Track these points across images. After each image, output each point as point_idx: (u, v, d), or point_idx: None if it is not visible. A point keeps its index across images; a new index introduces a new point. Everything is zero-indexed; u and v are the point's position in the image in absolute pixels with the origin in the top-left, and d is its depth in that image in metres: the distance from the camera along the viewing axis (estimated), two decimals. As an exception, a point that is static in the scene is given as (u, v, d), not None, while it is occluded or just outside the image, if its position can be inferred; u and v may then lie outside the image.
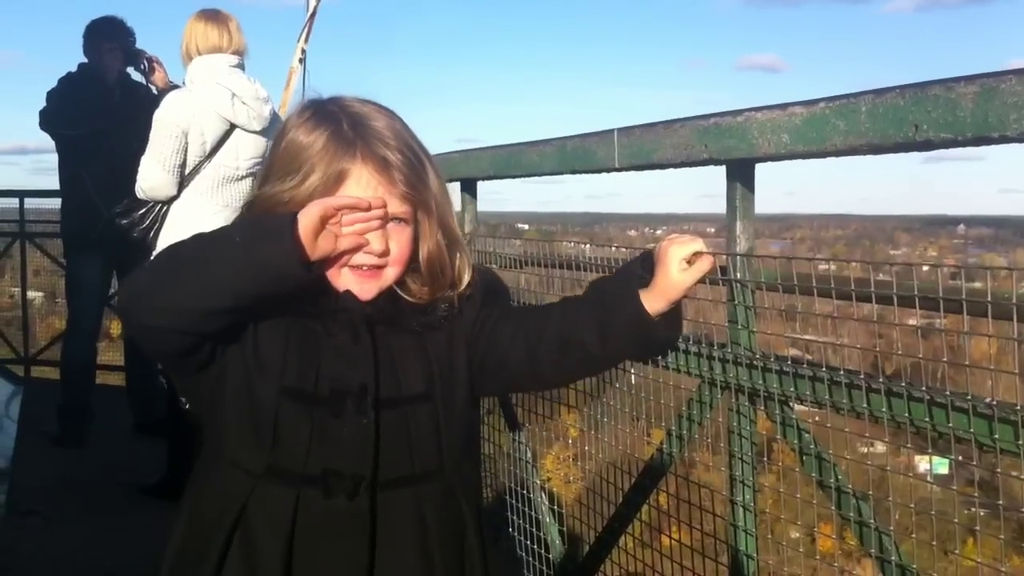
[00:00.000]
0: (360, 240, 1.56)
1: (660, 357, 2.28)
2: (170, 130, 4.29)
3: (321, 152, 1.60)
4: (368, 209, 1.55)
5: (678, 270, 1.62)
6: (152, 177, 4.31)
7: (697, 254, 1.62)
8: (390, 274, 1.63)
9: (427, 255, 1.67)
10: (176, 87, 5.31)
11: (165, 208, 4.43)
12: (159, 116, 4.33)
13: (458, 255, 1.71)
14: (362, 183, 1.59)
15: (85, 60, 5.60)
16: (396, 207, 1.61)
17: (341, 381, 1.60)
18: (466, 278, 1.71)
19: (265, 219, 1.55)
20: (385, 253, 1.60)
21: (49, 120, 5.54)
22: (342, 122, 1.63)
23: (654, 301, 1.63)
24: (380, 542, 1.61)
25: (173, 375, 1.77)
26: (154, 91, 5.42)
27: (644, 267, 1.67)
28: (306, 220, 1.48)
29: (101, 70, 5.53)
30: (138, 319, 1.55)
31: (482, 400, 1.89)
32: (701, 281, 1.65)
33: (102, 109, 5.41)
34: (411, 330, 1.67)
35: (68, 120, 5.45)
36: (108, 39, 5.54)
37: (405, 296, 1.67)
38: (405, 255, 1.64)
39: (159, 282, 1.53)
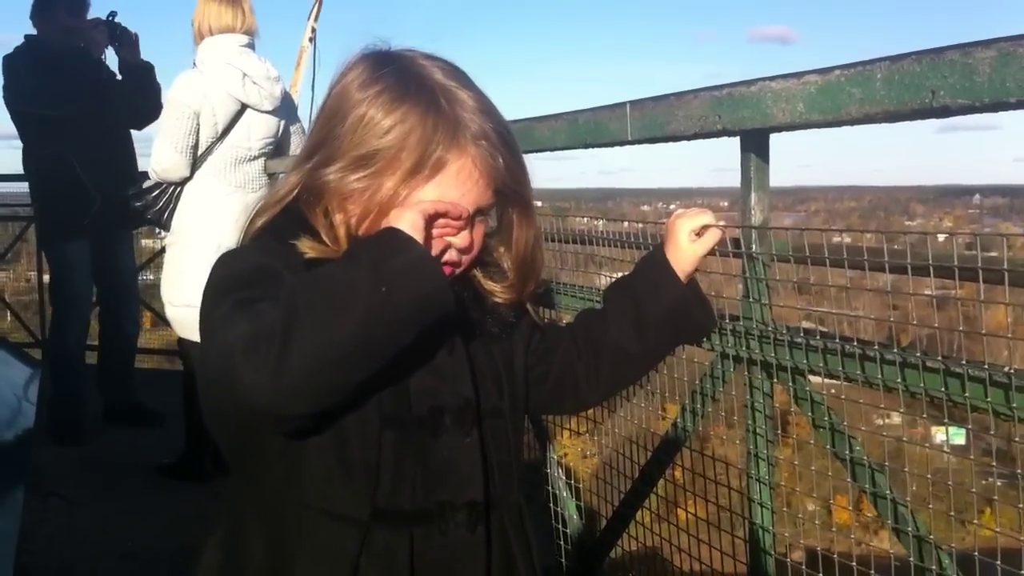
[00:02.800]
0: (447, 242, 1.38)
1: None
2: (182, 111, 4.30)
3: (415, 136, 1.35)
4: (458, 217, 1.35)
5: (688, 241, 1.60)
6: (165, 159, 4.33)
7: (705, 226, 1.60)
8: (459, 269, 1.44)
9: (522, 253, 1.50)
10: (147, 64, 5.28)
11: (178, 189, 4.44)
12: (171, 97, 4.35)
13: (542, 257, 1.55)
14: (463, 174, 1.37)
15: (35, 32, 5.28)
16: (487, 199, 1.41)
17: (438, 397, 1.40)
18: (540, 281, 1.57)
19: (389, 257, 1.23)
20: (468, 250, 1.42)
21: (26, 99, 5.17)
22: (437, 95, 1.38)
23: None
24: (494, 571, 1.44)
25: (231, 432, 1.47)
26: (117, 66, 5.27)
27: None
28: (418, 235, 1.27)
29: (87, 45, 5.25)
30: (275, 411, 1.23)
31: None
32: (712, 253, 1.63)
33: (93, 86, 5.19)
34: (485, 334, 1.50)
35: (53, 99, 5.10)
36: (80, 12, 5.30)
37: (489, 296, 1.51)
38: (479, 250, 1.46)
39: (298, 369, 1.18)
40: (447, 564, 1.41)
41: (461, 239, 1.40)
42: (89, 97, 5.15)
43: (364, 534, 1.37)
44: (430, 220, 1.31)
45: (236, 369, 1.21)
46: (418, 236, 1.27)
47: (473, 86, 1.43)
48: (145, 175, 4.59)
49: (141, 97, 5.28)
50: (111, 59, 5.35)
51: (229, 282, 1.34)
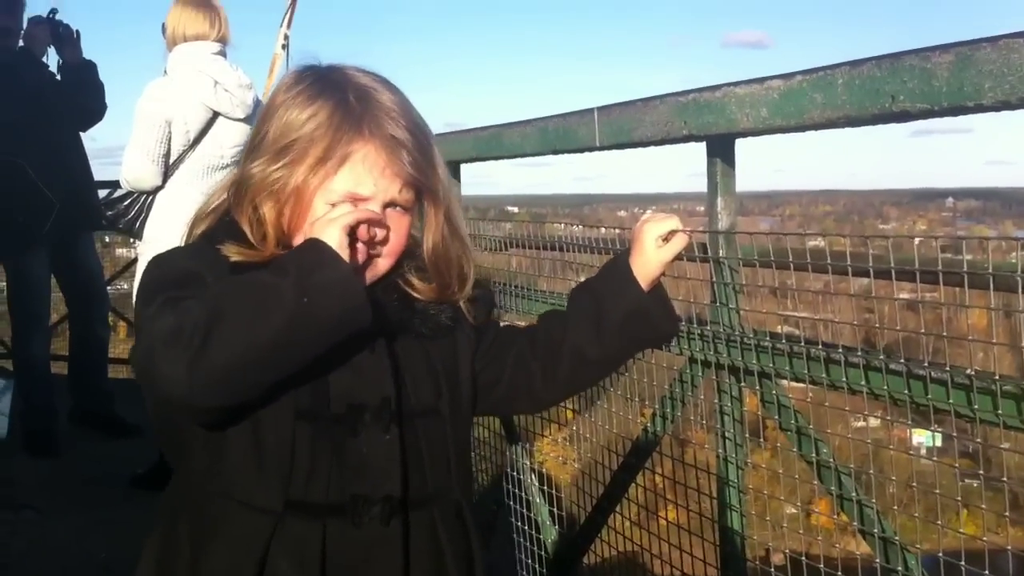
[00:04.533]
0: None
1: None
2: (153, 120, 4.26)
3: (324, 127, 1.44)
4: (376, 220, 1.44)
5: (654, 247, 1.61)
6: (137, 168, 4.28)
7: (672, 232, 1.61)
8: (381, 265, 1.49)
9: (432, 246, 1.54)
10: (89, 62, 5.17)
11: (150, 198, 4.40)
12: (141, 105, 4.30)
13: (463, 254, 1.59)
14: (367, 163, 1.44)
15: None
16: (399, 193, 1.47)
17: (357, 396, 1.46)
18: (470, 281, 1.60)
19: (315, 271, 1.33)
20: (385, 241, 1.48)
21: None
22: (347, 93, 1.47)
23: None
24: (412, 567, 1.48)
25: (161, 427, 1.56)
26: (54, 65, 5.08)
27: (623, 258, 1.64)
28: (341, 248, 1.35)
29: (27, 44, 5.06)
30: (188, 402, 1.32)
31: None
32: (679, 258, 1.64)
33: (35, 88, 5.01)
34: (418, 335, 1.55)
35: (2, 102, 4.90)
36: (16, 11, 5.09)
37: (413, 294, 1.55)
38: (399, 246, 1.51)
39: (215, 364, 1.28)
40: (361, 557, 1.45)
41: (378, 234, 1.47)
42: (33, 99, 4.98)
43: (275, 523, 1.42)
44: (352, 230, 1.39)
45: (155, 359, 1.31)
46: (343, 249, 1.36)
47: (393, 90, 1.51)
48: (114, 183, 4.55)
49: (84, 97, 5.17)
50: (51, 58, 5.16)
51: (160, 282, 1.42)
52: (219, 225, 1.53)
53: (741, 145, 2.12)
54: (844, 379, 1.76)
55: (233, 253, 1.46)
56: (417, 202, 1.53)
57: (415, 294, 1.55)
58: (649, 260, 1.61)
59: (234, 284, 1.36)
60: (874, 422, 1.99)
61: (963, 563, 1.53)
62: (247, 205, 1.49)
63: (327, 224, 1.38)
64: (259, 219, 1.48)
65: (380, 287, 1.51)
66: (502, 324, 1.78)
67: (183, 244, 1.57)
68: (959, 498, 1.60)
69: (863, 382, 1.73)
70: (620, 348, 1.67)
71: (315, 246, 1.36)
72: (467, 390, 1.62)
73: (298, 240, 1.46)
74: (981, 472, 1.58)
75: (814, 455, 1.89)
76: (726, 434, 2.13)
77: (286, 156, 1.45)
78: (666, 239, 1.61)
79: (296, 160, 1.45)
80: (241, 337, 1.29)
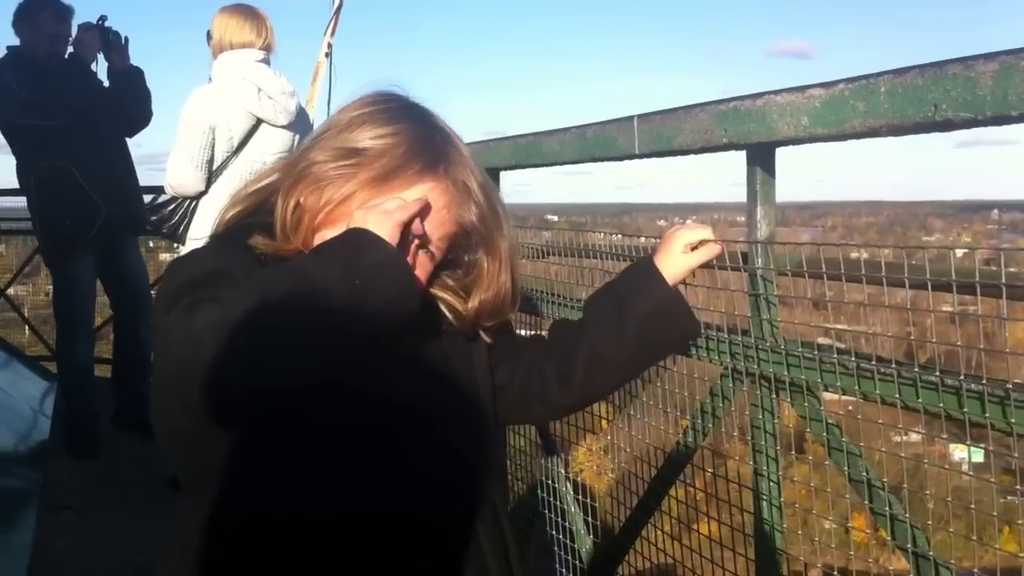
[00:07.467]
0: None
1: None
2: (198, 126, 4.31)
3: (400, 147, 1.44)
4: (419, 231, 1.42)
5: (681, 251, 1.60)
6: (181, 173, 4.33)
7: (703, 241, 1.61)
8: None
9: (483, 299, 1.54)
10: (136, 68, 5.22)
11: (194, 203, 4.45)
12: (186, 112, 4.36)
13: (512, 309, 1.59)
14: (428, 198, 1.44)
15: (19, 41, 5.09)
16: (441, 235, 1.47)
17: (392, 399, 1.44)
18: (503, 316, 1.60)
19: (361, 254, 1.31)
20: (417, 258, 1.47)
21: (20, 111, 4.99)
22: (433, 130, 1.49)
23: None
24: (454, 567, 1.45)
25: (185, 450, 1.51)
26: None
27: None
28: (392, 237, 1.34)
29: (78, 51, 5.15)
30: (244, 390, 1.27)
31: None
32: (709, 266, 1.63)
33: (85, 94, 5.11)
34: (441, 334, 1.55)
35: (48, 109, 4.98)
36: (66, 18, 5.18)
37: (444, 309, 1.54)
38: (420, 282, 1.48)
39: (271, 352, 1.25)
40: (405, 559, 1.41)
41: (420, 240, 1.45)
42: (81, 105, 5.06)
43: (319, 538, 1.37)
44: (404, 228, 1.38)
45: (205, 352, 1.23)
46: (393, 241, 1.35)
47: (465, 146, 1.53)
48: (159, 188, 4.60)
49: (132, 103, 5.24)
50: (100, 64, 5.25)
51: (186, 283, 1.35)
52: (244, 223, 1.53)
53: (784, 155, 2.10)
54: (876, 391, 1.73)
55: (260, 244, 1.45)
56: (457, 256, 1.54)
57: (446, 311, 1.55)
58: (674, 263, 1.61)
59: (278, 272, 1.32)
60: (915, 437, 1.95)
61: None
62: (294, 192, 1.47)
63: (383, 215, 1.36)
64: (299, 204, 1.46)
65: None
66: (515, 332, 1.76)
67: (219, 227, 1.57)
68: (994, 513, 1.56)
69: (897, 395, 1.70)
70: (640, 348, 1.65)
71: (357, 232, 1.34)
72: (488, 390, 1.60)
73: (319, 238, 1.44)
74: (1019, 487, 1.55)
75: (845, 468, 1.86)
76: (760, 447, 2.11)
77: (351, 158, 1.44)
78: (695, 248, 1.61)
79: (360, 167, 1.43)
80: (294, 323, 1.25)
